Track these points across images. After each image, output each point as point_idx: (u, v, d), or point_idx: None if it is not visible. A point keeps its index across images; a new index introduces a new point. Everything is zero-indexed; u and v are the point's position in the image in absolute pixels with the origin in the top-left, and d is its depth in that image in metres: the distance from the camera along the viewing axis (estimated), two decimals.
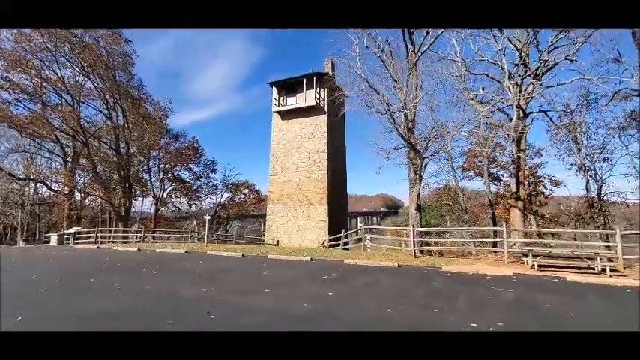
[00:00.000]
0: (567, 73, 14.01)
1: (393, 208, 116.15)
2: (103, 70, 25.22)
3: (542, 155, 29.71)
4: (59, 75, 23.82)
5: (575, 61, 15.79)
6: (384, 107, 11.18)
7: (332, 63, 26.24)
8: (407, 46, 13.59)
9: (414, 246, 11.61)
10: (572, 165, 24.30)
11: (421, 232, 12.29)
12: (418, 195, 14.40)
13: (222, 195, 43.51)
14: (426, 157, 13.14)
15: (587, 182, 23.53)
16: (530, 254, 9.50)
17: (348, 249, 20.41)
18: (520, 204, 18.21)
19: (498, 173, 30.35)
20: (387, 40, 14.10)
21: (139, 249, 13.94)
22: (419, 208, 14.75)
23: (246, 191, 45.17)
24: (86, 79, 25.65)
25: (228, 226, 43.94)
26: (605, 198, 23.09)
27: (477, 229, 17.70)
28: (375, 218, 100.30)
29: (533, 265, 9.17)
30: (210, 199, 42.83)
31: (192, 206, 41.37)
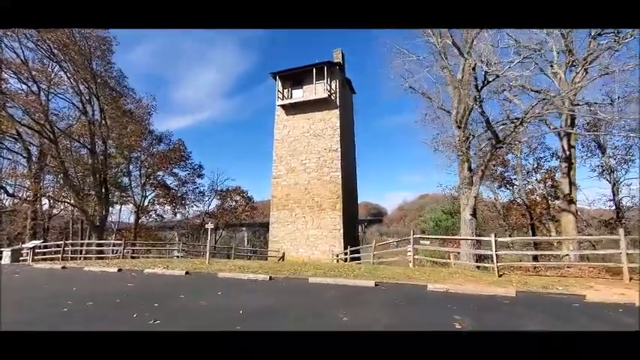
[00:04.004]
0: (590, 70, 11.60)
1: (377, 216, 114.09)
2: (75, 55, 21.45)
3: (559, 157, 27.64)
4: (22, 58, 19.95)
5: (617, 51, 13.93)
6: (469, 73, 8.39)
7: (342, 53, 23.62)
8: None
9: (496, 262, 8.76)
10: (597, 166, 22.60)
11: (499, 243, 9.49)
12: (476, 196, 11.68)
13: (210, 202, 39.77)
14: (503, 145, 10.42)
15: (614, 185, 21.89)
16: None
17: (359, 263, 17.64)
18: (574, 207, 15.84)
19: (512, 177, 28.25)
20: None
21: (119, 269, 10.46)
22: (474, 214, 12.03)
23: (237, 198, 41.47)
24: (55, 65, 21.81)
25: (217, 237, 40.05)
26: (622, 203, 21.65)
27: (585, 238, 15.10)
28: (359, 226, 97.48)
29: None
30: (197, 206, 39.04)
31: (178, 214, 37.42)
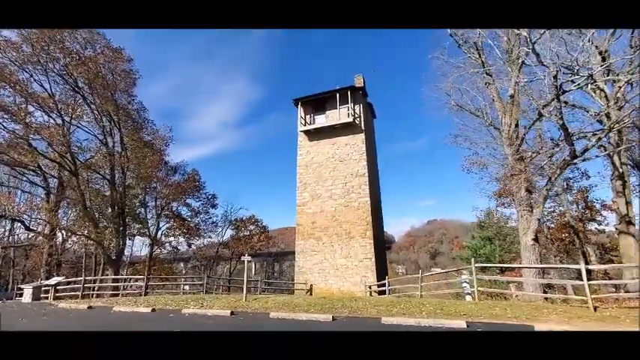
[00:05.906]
0: None
1: (386, 244, 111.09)
2: (100, 88, 21.62)
3: (590, 177, 26.45)
4: (49, 92, 20.06)
5: None
6: (548, 82, 7.71)
7: (363, 78, 23.55)
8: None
9: (590, 294, 7.66)
10: (638, 185, 21.56)
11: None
12: (539, 219, 10.71)
13: (224, 232, 38.73)
14: (577, 161, 9.52)
15: None
16: None
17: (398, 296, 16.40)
18: (633, 229, 14.69)
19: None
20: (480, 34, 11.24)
21: (153, 309, 9.49)
22: (537, 238, 10.98)
23: (252, 227, 40.44)
24: (79, 97, 21.88)
25: (232, 269, 38.64)
26: None
27: None
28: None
29: None
30: (210, 237, 37.86)
31: (192, 246, 36.28)
